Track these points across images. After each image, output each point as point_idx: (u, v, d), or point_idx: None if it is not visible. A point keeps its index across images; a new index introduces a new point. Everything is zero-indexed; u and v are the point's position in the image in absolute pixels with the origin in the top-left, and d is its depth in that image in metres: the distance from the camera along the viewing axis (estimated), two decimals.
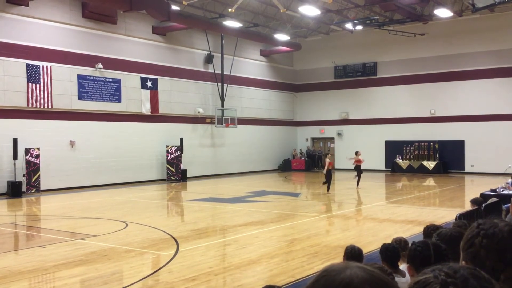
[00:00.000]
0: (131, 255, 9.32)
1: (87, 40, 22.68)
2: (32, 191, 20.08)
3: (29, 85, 20.46)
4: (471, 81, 28.93)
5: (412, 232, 10.98)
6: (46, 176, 20.77)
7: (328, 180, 19.69)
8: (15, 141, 19.53)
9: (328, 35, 32.58)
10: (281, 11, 25.42)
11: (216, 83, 29.00)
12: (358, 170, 21.74)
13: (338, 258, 8.45)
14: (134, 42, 24.83)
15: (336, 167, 33.45)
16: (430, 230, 4.76)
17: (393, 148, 31.28)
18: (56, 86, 21.37)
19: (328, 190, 19.53)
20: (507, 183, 13.55)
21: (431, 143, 30.00)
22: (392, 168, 30.91)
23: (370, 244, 9.70)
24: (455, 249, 1.86)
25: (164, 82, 26.19)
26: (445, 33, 29.46)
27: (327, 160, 20.06)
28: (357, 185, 21.54)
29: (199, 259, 8.91)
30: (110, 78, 23.59)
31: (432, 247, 3.03)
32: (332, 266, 1.11)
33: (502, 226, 1.58)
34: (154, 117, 25.65)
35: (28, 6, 20.47)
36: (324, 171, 20.04)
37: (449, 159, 29.57)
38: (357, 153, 22.20)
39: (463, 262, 1.59)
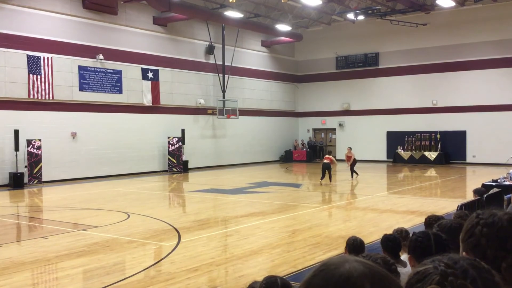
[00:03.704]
0: (133, 246, 9.35)
1: (88, 31, 22.62)
2: (34, 183, 20.13)
3: (30, 76, 20.44)
4: (473, 71, 28.83)
5: (413, 222, 11.00)
6: (47, 168, 20.81)
7: (323, 171, 19.63)
8: (16, 133, 19.55)
9: (330, 25, 32.44)
10: (282, 1, 25.28)
11: (217, 74, 28.94)
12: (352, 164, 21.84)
13: (339, 249, 8.48)
14: (135, 33, 24.75)
15: (338, 158, 33.47)
16: (432, 220, 4.76)
17: (394, 139, 31.25)
18: (57, 77, 21.35)
19: (321, 179, 19.57)
20: (509, 173, 13.54)
21: (433, 134, 29.96)
22: (393, 159, 30.90)
23: (372, 235, 9.72)
24: (455, 240, 1.86)
25: (165, 73, 26.15)
26: (448, 23, 29.31)
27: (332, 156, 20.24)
28: (352, 176, 21.58)
29: (200, 250, 8.94)
30: (111, 69, 23.54)
31: (433, 238, 3.03)
32: (331, 260, 1.09)
33: (501, 215, 1.59)
34: (155, 108, 25.64)
35: None
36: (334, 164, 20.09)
37: (450, 149, 29.55)
38: (350, 149, 22.29)
39: (464, 253, 1.59)
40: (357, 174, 21.81)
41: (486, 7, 27.75)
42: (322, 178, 19.59)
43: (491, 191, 9.52)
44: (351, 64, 33.29)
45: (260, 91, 32.60)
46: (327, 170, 19.42)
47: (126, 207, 14.08)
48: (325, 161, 19.76)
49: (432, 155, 29.60)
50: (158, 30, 25.92)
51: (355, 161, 21.85)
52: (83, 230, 10.95)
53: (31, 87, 20.47)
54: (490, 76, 28.29)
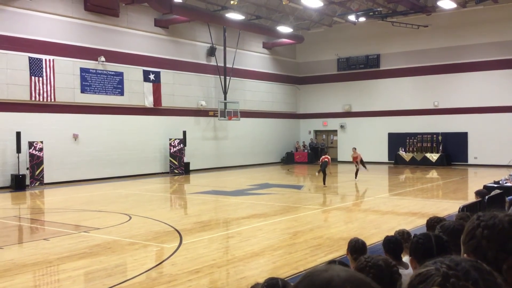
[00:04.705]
0: (134, 248, 9.36)
1: (90, 33, 22.66)
2: (36, 184, 20.15)
3: (31, 79, 20.47)
4: (474, 72, 28.82)
5: (415, 224, 10.99)
6: (49, 169, 20.83)
7: (323, 172, 19.66)
8: (18, 135, 19.57)
9: (331, 27, 32.46)
10: (283, 3, 25.32)
11: (218, 76, 28.97)
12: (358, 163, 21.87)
13: (341, 251, 8.47)
14: (137, 35, 24.79)
15: (339, 159, 33.53)
16: (433, 222, 4.76)
17: (396, 141, 31.24)
18: (59, 80, 21.38)
19: (324, 183, 19.53)
20: (511, 175, 13.54)
21: (434, 135, 29.95)
22: (395, 161, 30.89)
23: (373, 236, 9.71)
24: (457, 242, 1.86)
25: (166, 75, 26.18)
26: (449, 24, 29.32)
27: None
28: (355, 177, 21.66)
29: (202, 252, 8.94)
30: (112, 71, 23.58)
31: (434, 239, 3.03)
32: (316, 268, 1.16)
33: (502, 217, 1.59)
34: (156, 110, 25.66)
35: None
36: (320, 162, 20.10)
37: (452, 151, 29.52)
38: (355, 149, 22.31)
39: (465, 255, 1.59)
40: (356, 176, 21.73)
41: (487, 9, 27.74)
42: (324, 183, 19.55)
43: (492, 193, 9.51)
44: (353, 65, 33.30)
45: (262, 92, 32.62)
46: (323, 170, 19.40)
47: (128, 209, 14.09)
48: (326, 160, 19.72)
49: (433, 156, 29.57)
50: (159, 32, 25.96)
51: (361, 161, 21.86)
52: (84, 232, 10.96)
53: (32, 89, 20.50)
54: (492, 78, 28.28)
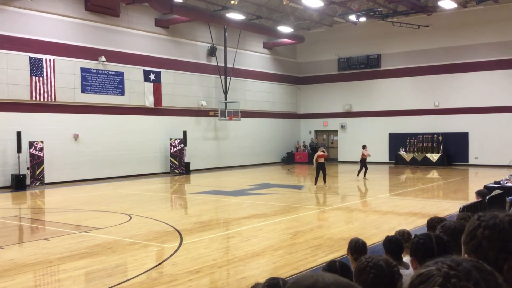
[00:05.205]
0: (135, 248, 9.36)
1: (90, 33, 22.66)
2: (36, 184, 20.16)
3: (32, 78, 20.48)
4: (475, 72, 28.81)
5: (415, 224, 10.99)
6: (50, 169, 20.84)
7: (323, 172, 19.10)
8: (18, 135, 19.58)
9: (332, 27, 32.44)
10: (284, 3, 25.32)
11: (219, 76, 28.97)
12: (364, 163, 21.90)
13: (341, 251, 8.47)
14: (137, 35, 24.79)
15: (340, 159, 33.54)
16: (434, 222, 4.76)
17: (396, 141, 31.23)
18: (59, 79, 21.39)
19: (324, 182, 19.37)
20: (511, 175, 13.53)
21: (435, 135, 29.93)
22: (395, 161, 30.88)
23: (374, 237, 9.71)
24: (458, 242, 1.86)
25: (167, 75, 26.18)
26: (449, 24, 29.30)
27: (318, 153, 19.46)
28: (364, 176, 21.74)
29: (202, 252, 8.94)
30: (113, 71, 23.59)
31: (435, 240, 3.03)
32: (304, 274, 1.24)
33: (502, 217, 1.59)
34: (157, 110, 25.66)
35: None
36: (314, 164, 19.43)
37: (453, 151, 29.51)
38: (364, 147, 22.49)
39: (465, 255, 1.59)
40: (358, 175, 21.88)
41: (488, 9, 27.73)
42: (316, 182, 19.35)
43: (493, 193, 9.50)
44: (353, 65, 33.29)
45: (262, 92, 32.62)
46: (322, 170, 19.11)
47: (128, 209, 14.09)
48: (320, 160, 19.16)
49: (434, 156, 29.56)
50: (160, 32, 25.96)
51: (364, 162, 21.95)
52: (85, 232, 10.96)
53: (33, 89, 20.51)
54: (492, 78, 28.27)
